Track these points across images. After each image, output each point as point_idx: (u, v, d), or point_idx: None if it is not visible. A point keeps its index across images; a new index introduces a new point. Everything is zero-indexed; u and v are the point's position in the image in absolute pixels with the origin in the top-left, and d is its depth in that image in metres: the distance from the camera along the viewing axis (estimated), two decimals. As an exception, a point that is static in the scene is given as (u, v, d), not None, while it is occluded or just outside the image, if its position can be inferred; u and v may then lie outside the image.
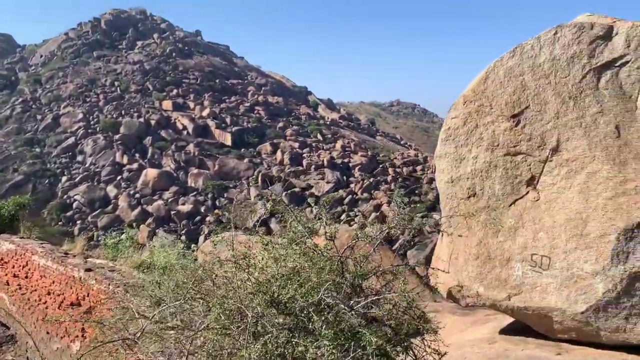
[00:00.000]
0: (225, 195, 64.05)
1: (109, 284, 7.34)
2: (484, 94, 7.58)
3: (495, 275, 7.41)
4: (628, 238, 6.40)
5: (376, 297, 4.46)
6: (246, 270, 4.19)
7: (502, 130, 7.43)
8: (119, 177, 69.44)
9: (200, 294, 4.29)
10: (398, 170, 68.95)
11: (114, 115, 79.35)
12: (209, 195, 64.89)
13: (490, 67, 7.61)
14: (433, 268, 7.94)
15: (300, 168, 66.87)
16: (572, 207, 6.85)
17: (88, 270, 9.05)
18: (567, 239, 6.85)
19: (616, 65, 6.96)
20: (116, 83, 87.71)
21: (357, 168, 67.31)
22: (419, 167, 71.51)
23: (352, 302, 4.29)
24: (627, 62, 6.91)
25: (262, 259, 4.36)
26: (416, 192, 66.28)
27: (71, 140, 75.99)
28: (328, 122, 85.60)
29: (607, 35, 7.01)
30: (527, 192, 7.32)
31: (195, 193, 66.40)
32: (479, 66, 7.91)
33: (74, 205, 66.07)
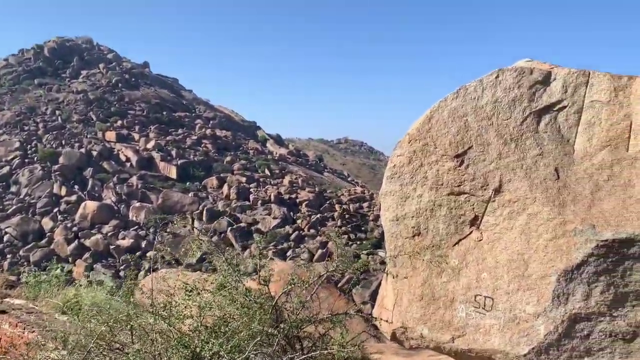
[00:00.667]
0: (168, 229, 62.24)
1: (24, 328, 6.71)
2: (429, 133, 7.62)
3: (440, 316, 7.30)
4: (568, 279, 6.44)
5: (313, 353, 4.19)
6: (166, 321, 3.83)
7: (446, 170, 7.46)
8: (55, 210, 66.45)
9: (114, 346, 3.89)
10: (345, 206, 69.26)
11: (54, 145, 76.48)
12: (151, 230, 62.93)
13: (434, 107, 7.68)
14: (375, 318, 7.74)
15: (247, 203, 66.12)
16: (514, 247, 6.88)
17: (2, 312, 8.31)
18: (510, 280, 6.84)
19: (554, 109, 7.16)
20: (57, 112, 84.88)
21: (304, 204, 67.19)
22: (365, 204, 72.13)
23: (285, 358, 4.00)
24: (565, 107, 7.12)
25: (186, 307, 4.02)
26: (362, 228, 66.63)
27: (5, 169, 72.43)
28: (276, 158, 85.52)
29: (546, 80, 7.22)
30: (471, 232, 7.32)
31: (136, 227, 64.29)
32: (423, 107, 7.98)
33: (5, 238, 62.49)
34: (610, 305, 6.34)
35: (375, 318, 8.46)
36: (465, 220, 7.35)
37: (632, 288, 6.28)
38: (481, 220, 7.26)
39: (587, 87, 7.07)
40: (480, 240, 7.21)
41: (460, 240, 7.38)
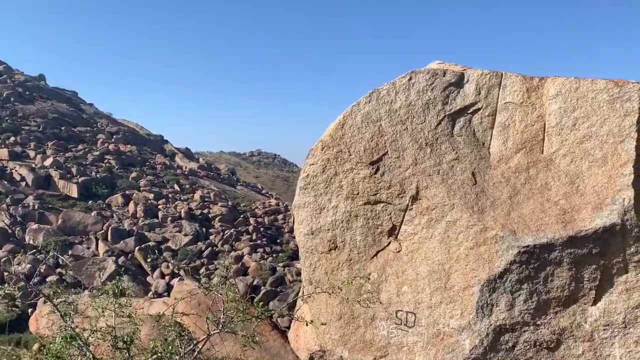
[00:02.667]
0: (70, 252, 58.15)
1: None
2: (342, 140, 7.12)
3: (360, 336, 6.78)
4: (491, 289, 6.15)
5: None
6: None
7: (362, 178, 6.99)
8: (-62, 236, 60.03)
9: None
10: (259, 219, 68.23)
11: None
12: (51, 253, 58.41)
13: (347, 112, 7.20)
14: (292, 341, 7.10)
15: (156, 220, 63.21)
16: (435, 257, 6.51)
17: None
18: (432, 293, 6.46)
19: (469, 112, 6.92)
20: (-61, 128, 77.22)
21: (217, 219, 65.34)
22: (280, 216, 71.49)
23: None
24: (479, 109, 6.90)
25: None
26: (278, 241, 65.95)
27: None
28: (186, 172, 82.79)
29: (459, 82, 6.97)
30: (389, 243, 6.89)
31: (34, 251, 59.36)
32: (337, 114, 7.48)
33: None
34: (534, 314, 6.11)
35: (292, 341, 7.81)
36: (383, 231, 6.91)
37: (554, 294, 6.09)
38: (399, 230, 6.86)
39: (500, 88, 6.89)
40: (399, 251, 6.79)
41: (378, 252, 6.93)
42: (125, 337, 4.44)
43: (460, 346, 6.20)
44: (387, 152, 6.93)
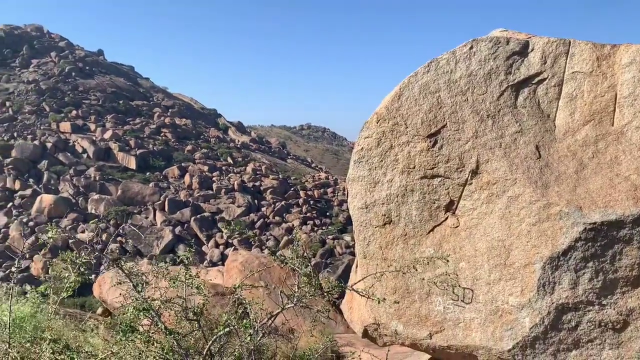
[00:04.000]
0: (129, 221, 60.49)
1: None
2: (399, 112, 6.95)
3: (415, 310, 6.71)
4: (554, 267, 5.92)
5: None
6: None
7: (419, 151, 6.82)
8: (9, 205, 63.66)
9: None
10: (309, 192, 68.73)
11: (5, 138, 73.11)
12: (111, 222, 60.98)
13: (404, 83, 7.01)
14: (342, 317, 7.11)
15: (210, 192, 64.75)
16: (494, 234, 6.31)
17: None
18: (490, 269, 6.29)
19: (533, 82, 6.60)
20: (7, 103, 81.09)
21: (268, 191, 66.32)
22: (329, 190, 71.80)
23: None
24: (544, 79, 6.56)
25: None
26: (327, 214, 66.32)
27: (-48, 164, 68.86)
28: (238, 145, 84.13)
29: (523, 51, 6.64)
30: (446, 218, 6.72)
31: (96, 220, 62.15)
32: (388, 88, 7.30)
33: (-45, 236, 59.63)
34: (599, 293, 5.85)
35: (345, 313, 7.83)
36: (440, 206, 6.75)
37: (621, 274, 5.80)
38: (457, 205, 6.67)
39: (567, 57, 6.52)
40: (457, 226, 6.62)
41: (435, 227, 6.77)
42: (196, 308, 4.55)
43: (519, 324, 6.04)
44: (446, 124, 6.73)
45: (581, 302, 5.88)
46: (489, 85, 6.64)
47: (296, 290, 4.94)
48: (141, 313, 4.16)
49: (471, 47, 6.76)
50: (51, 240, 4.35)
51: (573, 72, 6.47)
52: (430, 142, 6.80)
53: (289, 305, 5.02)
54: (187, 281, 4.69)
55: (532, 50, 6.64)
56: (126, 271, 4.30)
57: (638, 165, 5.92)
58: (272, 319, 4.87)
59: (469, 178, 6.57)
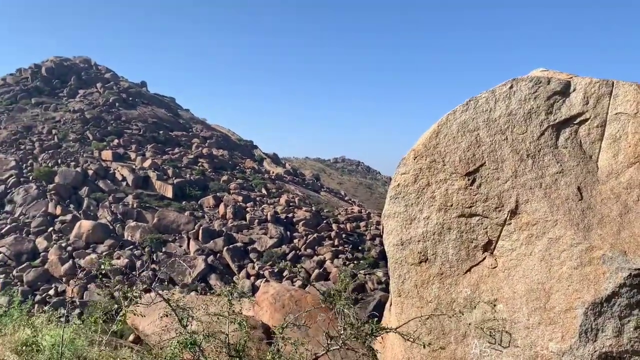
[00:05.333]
0: (164, 249, 61.31)
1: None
2: (436, 149, 6.94)
3: (451, 353, 6.54)
4: (597, 313, 5.71)
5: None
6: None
7: (456, 189, 6.76)
8: (50, 229, 65.41)
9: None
10: (342, 226, 68.46)
11: (49, 164, 75.67)
12: (146, 249, 61.84)
13: (442, 121, 7.01)
14: (376, 351, 6.99)
15: (244, 222, 65.20)
16: (534, 276, 6.16)
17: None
18: (530, 313, 6.11)
19: (575, 122, 6.51)
20: (54, 131, 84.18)
21: (301, 223, 66.34)
22: (362, 223, 71.37)
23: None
24: (587, 119, 6.47)
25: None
26: (359, 248, 65.83)
27: (0, 188, 71.50)
28: (273, 177, 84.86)
29: (565, 90, 6.58)
30: (484, 258, 6.60)
31: (131, 247, 63.19)
32: (422, 125, 7.32)
33: (-2, 258, 61.39)
34: (646, 343, 5.61)
35: (378, 354, 7.69)
36: (477, 245, 6.64)
37: (670, 323, 5.56)
38: (495, 245, 6.55)
39: (610, 98, 6.42)
40: (495, 267, 6.49)
41: (472, 267, 6.65)
42: (238, 346, 4.54)
43: (560, 372, 5.81)
44: (485, 163, 6.67)
45: (626, 351, 5.64)
46: (529, 125, 6.58)
47: (342, 332, 4.87)
48: (188, 347, 4.19)
49: (511, 87, 6.74)
50: (104, 269, 4.46)
51: (617, 113, 6.36)
52: (468, 180, 6.74)
53: (334, 348, 4.95)
54: (230, 317, 4.70)
55: (574, 91, 6.57)
56: (173, 304, 4.35)
57: (686, 210, 5.73)
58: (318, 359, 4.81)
59: (508, 218, 6.46)
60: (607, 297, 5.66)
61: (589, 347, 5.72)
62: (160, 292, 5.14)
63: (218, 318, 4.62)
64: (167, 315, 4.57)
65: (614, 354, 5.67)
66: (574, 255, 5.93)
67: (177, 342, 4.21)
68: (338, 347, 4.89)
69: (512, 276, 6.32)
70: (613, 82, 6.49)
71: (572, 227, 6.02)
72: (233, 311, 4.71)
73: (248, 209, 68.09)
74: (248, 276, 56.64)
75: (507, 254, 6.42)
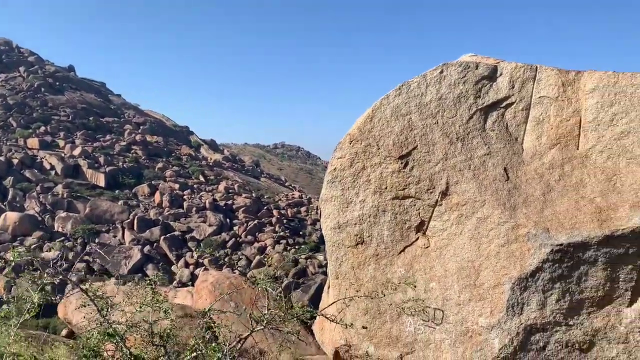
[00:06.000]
0: (97, 240, 59.20)
1: None
2: (371, 133, 7.03)
3: (386, 331, 6.71)
4: (522, 288, 6.01)
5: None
6: None
7: (390, 172, 6.89)
8: (-29, 222, 61.59)
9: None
10: (283, 211, 68.49)
11: (-31, 153, 71.08)
12: (79, 241, 59.52)
13: (376, 105, 7.10)
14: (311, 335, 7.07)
15: (181, 210, 63.94)
16: (464, 254, 6.39)
17: None
18: (460, 290, 6.34)
19: (502, 106, 6.76)
20: (-27, 117, 79.06)
21: (240, 210, 65.81)
22: (303, 209, 71.64)
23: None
24: (512, 103, 6.73)
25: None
26: (301, 233, 66.13)
27: None
28: (211, 163, 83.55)
29: (492, 75, 6.81)
30: (417, 239, 6.78)
31: (62, 238, 60.63)
32: (362, 108, 7.37)
33: None
34: (566, 314, 5.95)
35: (317, 334, 7.78)
36: (411, 226, 6.81)
37: (587, 294, 5.92)
38: (428, 226, 6.74)
39: (534, 82, 6.71)
40: (428, 247, 6.68)
41: (406, 247, 6.83)
42: (162, 333, 4.44)
43: (489, 345, 6.08)
44: (417, 146, 6.82)
45: (549, 322, 5.97)
46: (458, 109, 6.77)
47: (265, 313, 4.88)
48: (105, 338, 4.05)
49: (441, 72, 6.90)
50: (12, 262, 4.22)
51: (540, 97, 6.65)
52: (401, 163, 6.88)
53: (257, 328, 4.97)
54: (154, 305, 4.59)
55: (500, 75, 6.81)
56: (90, 294, 4.19)
57: (602, 188, 6.09)
58: (241, 343, 4.80)
59: (439, 199, 6.66)
60: (531, 273, 5.96)
61: (516, 320, 6.01)
62: (76, 282, 4.96)
63: (142, 307, 4.51)
64: (85, 306, 4.41)
65: (538, 326, 5.98)
66: (501, 233, 6.19)
67: (98, 332, 4.08)
68: (262, 328, 4.89)
69: (443, 255, 6.53)
70: (537, 67, 6.76)
71: (499, 207, 6.27)
72: (157, 299, 4.61)
73: (185, 197, 66.79)
74: (187, 265, 55.71)
75: (439, 233, 6.62)
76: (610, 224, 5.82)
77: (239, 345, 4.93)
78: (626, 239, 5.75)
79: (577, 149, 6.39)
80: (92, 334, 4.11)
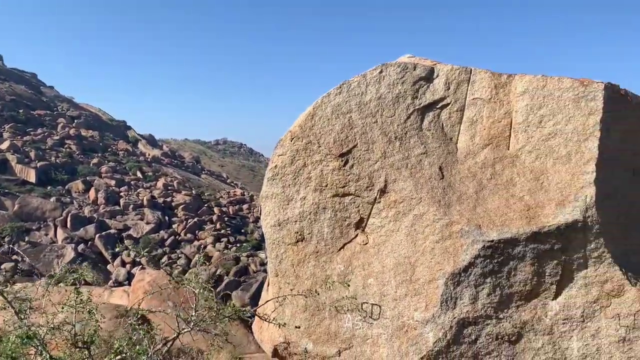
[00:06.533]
0: (27, 238, 56.47)
1: None
2: (312, 131, 7.06)
3: (325, 328, 6.77)
4: (456, 283, 6.22)
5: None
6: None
7: (331, 170, 6.95)
8: None
9: None
10: (224, 209, 67.69)
11: None
12: (6, 239, 56.57)
13: (317, 103, 7.14)
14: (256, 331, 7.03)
15: (117, 208, 61.97)
16: (401, 250, 6.54)
17: None
18: (397, 285, 6.49)
19: (438, 107, 6.95)
20: None
21: (180, 207, 64.52)
22: (245, 206, 71.08)
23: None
24: (448, 104, 6.94)
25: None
26: (242, 231, 65.60)
27: None
28: (149, 159, 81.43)
29: (429, 76, 6.99)
30: (356, 236, 6.88)
31: (-13, 237, 57.32)
32: (306, 105, 7.41)
33: None
34: (497, 308, 6.21)
35: (256, 333, 7.74)
36: (350, 223, 6.90)
37: (516, 289, 6.20)
38: (367, 223, 6.86)
39: (469, 84, 6.94)
40: (367, 243, 6.80)
41: (345, 244, 6.91)
42: (86, 336, 4.28)
43: (424, 339, 6.26)
44: (357, 144, 6.91)
45: (480, 316, 6.21)
46: (397, 109, 6.91)
47: (192, 314, 4.80)
48: (25, 343, 3.86)
49: (381, 71, 7.02)
50: None
51: (474, 99, 6.89)
52: (342, 161, 6.95)
53: (185, 330, 4.88)
54: (77, 306, 4.41)
55: (437, 77, 7.00)
56: (6, 296, 3.99)
57: (530, 187, 6.39)
58: (168, 344, 4.70)
59: (378, 197, 6.78)
60: (464, 268, 6.17)
61: (449, 314, 6.21)
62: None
63: (64, 308, 4.34)
64: (4, 308, 4.20)
65: (470, 320, 6.21)
66: (436, 230, 6.37)
67: (15, 337, 3.89)
68: (189, 329, 4.82)
69: (381, 251, 6.65)
70: (471, 69, 7.00)
71: (434, 204, 6.46)
72: (81, 300, 4.44)
73: (122, 194, 64.78)
74: (123, 264, 54.10)
75: (377, 230, 6.74)
76: (537, 221, 6.12)
77: (166, 347, 4.83)
78: (552, 235, 6.06)
79: (508, 149, 6.67)
80: (9, 338, 3.91)
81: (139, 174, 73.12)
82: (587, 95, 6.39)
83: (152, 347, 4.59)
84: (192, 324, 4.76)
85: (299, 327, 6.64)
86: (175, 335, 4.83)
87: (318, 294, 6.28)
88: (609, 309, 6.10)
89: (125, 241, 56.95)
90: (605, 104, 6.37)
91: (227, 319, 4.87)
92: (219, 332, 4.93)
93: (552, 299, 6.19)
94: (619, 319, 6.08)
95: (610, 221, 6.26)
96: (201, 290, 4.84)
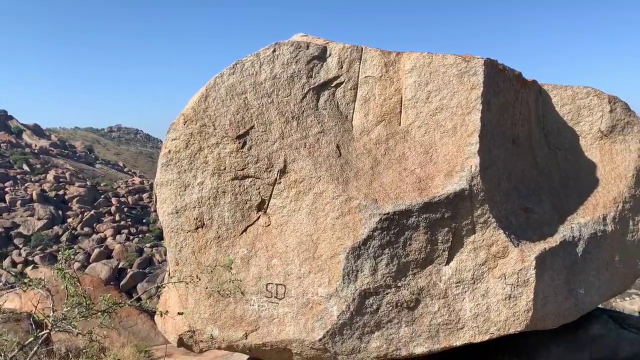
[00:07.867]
0: None
1: None
2: (206, 113, 6.89)
3: (230, 312, 6.73)
4: (356, 256, 6.40)
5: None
6: None
7: (228, 153, 6.84)
8: None
9: None
10: (123, 199, 64.87)
11: None
12: None
13: (210, 84, 6.96)
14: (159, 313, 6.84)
15: (3, 204, 57.37)
16: (303, 229, 6.62)
17: None
18: (301, 264, 6.57)
19: (332, 85, 7.04)
20: None
21: (74, 200, 60.95)
22: (145, 195, 68.57)
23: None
24: (342, 83, 7.05)
25: None
26: (144, 221, 63.32)
27: None
28: (36, 151, 75.88)
29: (322, 55, 7.05)
30: (258, 218, 6.86)
31: None
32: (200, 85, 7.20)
33: None
34: (395, 277, 6.48)
35: (159, 323, 7.54)
36: (252, 206, 6.86)
37: (412, 257, 6.50)
38: (268, 204, 6.85)
39: (361, 62, 7.09)
40: (269, 225, 6.80)
41: (248, 227, 6.87)
42: None
43: (328, 313, 6.41)
44: (254, 125, 6.85)
45: (380, 286, 6.46)
46: (292, 88, 6.92)
47: (50, 315, 4.52)
48: None
49: (274, 50, 6.97)
50: None
51: (366, 77, 7.05)
52: (239, 143, 6.86)
53: (43, 333, 4.60)
54: None
55: (330, 56, 7.07)
56: None
57: (421, 161, 6.69)
58: (34, 348, 4.40)
59: (278, 177, 6.78)
60: (363, 241, 6.37)
61: (351, 287, 6.40)
62: None
63: None
64: None
65: (371, 290, 6.44)
66: (335, 206, 6.51)
67: None
68: (47, 332, 4.57)
69: (284, 232, 6.69)
70: (362, 48, 7.15)
71: (333, 182, 6.58)
72: None
73: (7, 189, 59.98)
74: (14, 264, 50.38)
75: (279, 211, 6.76)
76: (428, 192, 6.44)
77: (29, 351, 4.54)
78: (442, 204, 6.41)
79: (400, 125, 6.92)
80: None
81: (25, 167, 68.01)
82: (469, 70, 6.76)
83: (5, 355, 4.30)
84: (51, 325, 4.46)
85: (181, 314, 6.56)
86: (32, 338, 4.52)
87: (199, 280, 6.23)
88: (495, 270, 6.58)
89: (15, 240, 52.99)
90: (486, 79, 6.78)
91: (105, 313, 4.64)
92: (81, 331, 4.59)
93: (445, 265, 6.56)
94: (505, 278, 6.57)
95: (493, 188, 6.73)
96: (67, 286, 4.55)
